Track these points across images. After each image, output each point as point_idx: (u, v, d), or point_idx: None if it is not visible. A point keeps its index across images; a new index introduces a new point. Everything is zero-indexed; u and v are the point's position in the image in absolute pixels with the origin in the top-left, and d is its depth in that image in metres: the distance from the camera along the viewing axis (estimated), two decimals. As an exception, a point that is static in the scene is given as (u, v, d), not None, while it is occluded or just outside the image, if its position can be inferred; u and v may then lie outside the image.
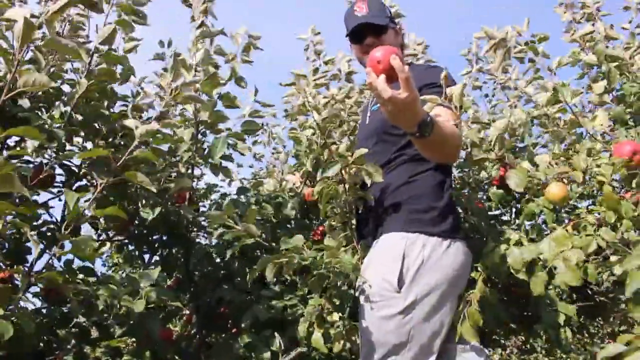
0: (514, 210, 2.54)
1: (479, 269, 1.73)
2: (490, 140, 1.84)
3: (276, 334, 1.44)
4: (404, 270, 1.61)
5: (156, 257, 2.14)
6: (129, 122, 1.34)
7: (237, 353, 1.92)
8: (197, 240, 2.23)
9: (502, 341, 3.80)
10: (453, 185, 1.86)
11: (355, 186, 1.78)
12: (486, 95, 3.34)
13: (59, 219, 1.86)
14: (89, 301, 1.51)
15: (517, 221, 2.38)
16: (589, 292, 2.49)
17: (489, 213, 2.55)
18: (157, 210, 1.72)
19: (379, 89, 1.35)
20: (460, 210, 2.42)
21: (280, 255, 1.60)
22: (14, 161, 1.64)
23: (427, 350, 1.62)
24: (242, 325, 1.95)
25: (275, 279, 1.63)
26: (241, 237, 1.57)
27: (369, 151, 1.72)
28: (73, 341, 1.73)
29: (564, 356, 3.89)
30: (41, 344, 1.68)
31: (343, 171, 1.71)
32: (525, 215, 1.89)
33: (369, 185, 1.79)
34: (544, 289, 1.63)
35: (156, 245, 2.06)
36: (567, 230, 1.69)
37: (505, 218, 2.57)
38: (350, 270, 1.67)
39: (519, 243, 1.75)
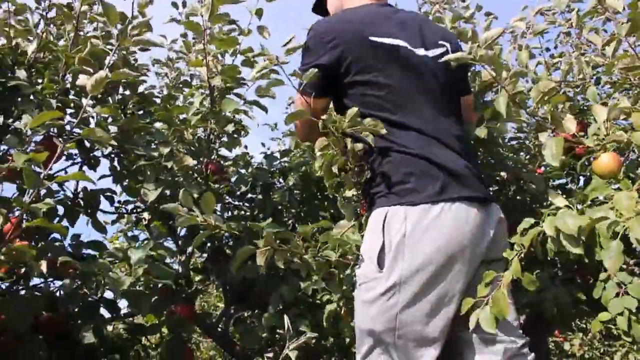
0: (582, 178, 2.22)
1: (514, 247, 1.43)
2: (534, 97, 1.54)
3: (285, 315, 1.29)
4: (385, 248, 1.37)
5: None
6: (82, 79, 1.21)
7: (261, 333, 1.80)
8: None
9: (583, 325, 3.49)
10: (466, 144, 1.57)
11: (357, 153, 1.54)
12: (547, 49, 2.85)
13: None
14: (81, 277, 1.44)
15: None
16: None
17: (553, 183, 2.25)
18: (158, 190, 1.62)
19: None
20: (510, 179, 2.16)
21: (266, 243, 1.43)
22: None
23: (422, 338, 1.36)
24: (269, 305, 1.83)
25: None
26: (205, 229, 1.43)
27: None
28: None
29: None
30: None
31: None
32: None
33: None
34: (620, 263, 1.29)
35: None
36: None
37: (572, 187, 2.26)
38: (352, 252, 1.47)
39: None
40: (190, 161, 1.61)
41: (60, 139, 1.65)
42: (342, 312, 1.60)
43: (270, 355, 1.73)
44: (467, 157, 1.51)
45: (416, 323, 1.36)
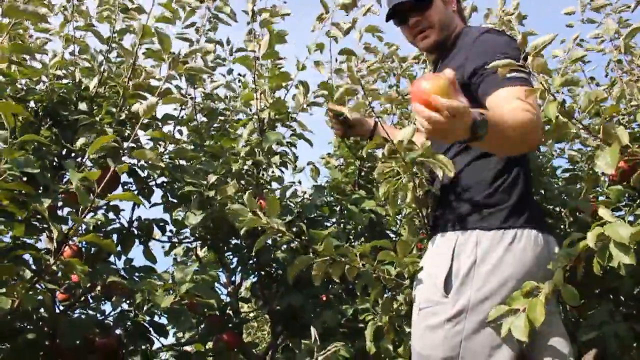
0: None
1: (560, 259, 1.37)
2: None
3: (312, 327, 1.29)
4: (453, 272, 1.37)
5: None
6: (135, 106, 1.30)
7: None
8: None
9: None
10: (527, 171, 1.55)
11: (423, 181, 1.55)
12: (592, 78, 2.74)
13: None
14: (128, 295, 1.49)
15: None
16: None
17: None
18: (200, 214, 1.68)
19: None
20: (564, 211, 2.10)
21: (318, 256, 1.44)
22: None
23: None
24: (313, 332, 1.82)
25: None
26: (266, 231, 1.43)
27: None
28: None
29: None
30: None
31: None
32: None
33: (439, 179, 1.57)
34: None
35: (225, 247, 2.02)
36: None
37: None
38: (409, 271, 1.46)
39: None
40: (232, 190, 1.66)
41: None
42: (385, 329, 1.58)
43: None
44: None
45: (481, 352, 1.34)
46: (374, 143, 1.45)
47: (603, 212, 1.42)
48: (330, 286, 2.03)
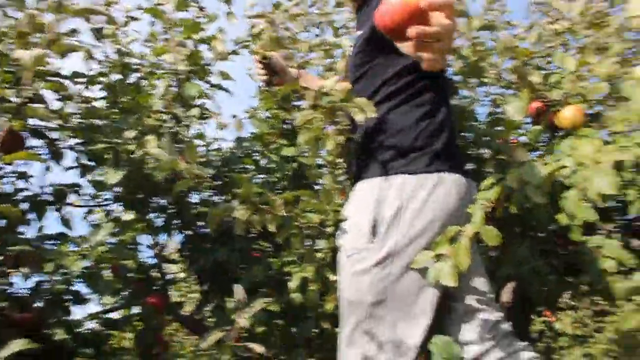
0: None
1: (479, 201, 1.41)
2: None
3: (236, 285, 1.26)
4: (378, 218, 1.37)
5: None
6: (18, 52, 1.19)
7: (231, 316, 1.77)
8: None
9: (573, 303, 3.46)
10: (451, 116, 1.56)
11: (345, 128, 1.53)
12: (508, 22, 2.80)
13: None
14: (39, 263, 1.41)
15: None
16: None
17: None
18: (120, 173, 1.59)
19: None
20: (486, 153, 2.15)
21: (246, 199, 1.39)
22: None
23: (412, 311, 1.37)
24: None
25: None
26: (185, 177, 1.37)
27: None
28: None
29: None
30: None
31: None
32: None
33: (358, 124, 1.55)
34: (578, 209, 1.27)
35: (149, 208, 1.94)
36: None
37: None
38: (332, 219, 1.45)
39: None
40: (152, 145, 1.58)
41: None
42: (311, 279, 1.57)
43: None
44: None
45: (408, 294, 1.36)
46: (289, 86, 1.40)
47: (520, 153, 1.45)
48: (258, 241, 2.01)
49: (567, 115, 1.50)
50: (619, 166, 1.22)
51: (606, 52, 1.48)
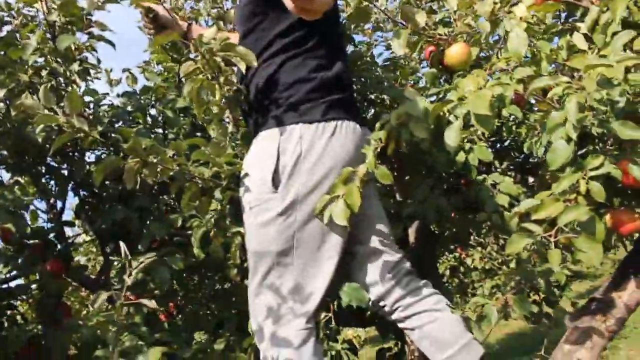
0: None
1: (371, 141, 1.42)
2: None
3: (121, 242, 1.22)
4: (280, 168, 1.38)
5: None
6: None
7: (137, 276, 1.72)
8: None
9: (481, 239, 3.66)
10: (346, 64, 1.57)
11: (229, 78, 1.49)
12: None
13: None
14: None
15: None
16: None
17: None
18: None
19: None
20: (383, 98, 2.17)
21: (133, 152, 1.33)
22: None
23: (319, 257, 1.40)
24: (139, 246, 1.76)
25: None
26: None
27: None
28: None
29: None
30: None
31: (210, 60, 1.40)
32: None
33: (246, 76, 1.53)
34: (458, 138, 1.30)
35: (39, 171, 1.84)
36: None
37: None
38: (226, 172, 1.42)
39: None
40: (29, 102, 1.47)
41: None
42: (212, 233, 1.56)
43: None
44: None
45: (313, 241, 1.39)
46: (165, 36, 1.33)
47: (409, 92, 1.47)
48: (160, 197, 1.96)
49: (453, 53, 1.53)
50: (499, 99, 1.26)
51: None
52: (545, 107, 1.38)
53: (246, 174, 1.45)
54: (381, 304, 1.48)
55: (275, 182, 1.38)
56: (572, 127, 1.08)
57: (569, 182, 1.10)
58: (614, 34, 1.28)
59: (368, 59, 2.22)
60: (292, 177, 1.38)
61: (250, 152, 1.49)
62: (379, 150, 1.40)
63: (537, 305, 1.60)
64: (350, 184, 1.30)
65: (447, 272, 4.05)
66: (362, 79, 2.13)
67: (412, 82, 2.29)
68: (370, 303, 1.49)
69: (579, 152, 1.27)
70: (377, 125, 1.42)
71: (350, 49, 2.21)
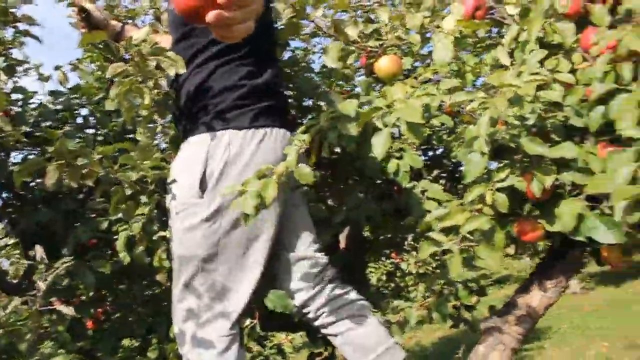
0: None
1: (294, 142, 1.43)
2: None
3: (37, 245, 1.19)
4: (207, 173, 1.39)
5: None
6: None
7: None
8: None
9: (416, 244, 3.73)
10: (279, 71, 1.59)
11: (159, 82, 1.48)
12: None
13: None
14: None
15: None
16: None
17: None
18: None
19: None
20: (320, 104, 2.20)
21: (58, 154, 1.30)
22: None
23: (245, 262, 1.42)
24: (63, 250, 1.71)
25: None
26: None
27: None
28: None
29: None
30: None
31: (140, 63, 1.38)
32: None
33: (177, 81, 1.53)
34: (386, 146, 1.32)
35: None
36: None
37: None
38: (152, 177, 1.41)
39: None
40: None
41: None
42: (138, 237, 1.54)
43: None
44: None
45: (238, 247, 1.40)
46: (92, 36, 1.31)
47: (335, 96, 1.51)
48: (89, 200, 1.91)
49: (382, 65, 1.58)
50: (426, 109, 1.30)
51: (419, 5, 1.56)
52: (467, 119, 1.45)
53: (174, 180, 1.45)
54: (305, 310, 1.51)
55: (203, 187, 1.39)
56: (485, 141, 1.13)
57: (477, 193, 1.15)
58: (531, 51, 1.35)
59: (304, 64, 2.25)
60: (219, 183, 1.39)
61: (179, 157, 1.50)
62: (301, 151, 1.41)
63: (457, 310, 1.66)
64: (267, 179, 1.29)
65: (384, 277, 4.11)
66: (298, 86, 2.15)
67: (348, 89, 2.32)
68: (295, 309, 1.51)
69: (499, 164, 1.34)
70: (302, 127, 1.44)
71: (287, 54, 2.23)
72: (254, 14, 0.84)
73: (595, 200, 1.18)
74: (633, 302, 6.77)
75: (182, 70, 1.35)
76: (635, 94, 1.10)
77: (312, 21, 1.59)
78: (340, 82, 2.32)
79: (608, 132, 1.18)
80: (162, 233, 1.56)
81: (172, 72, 1.36)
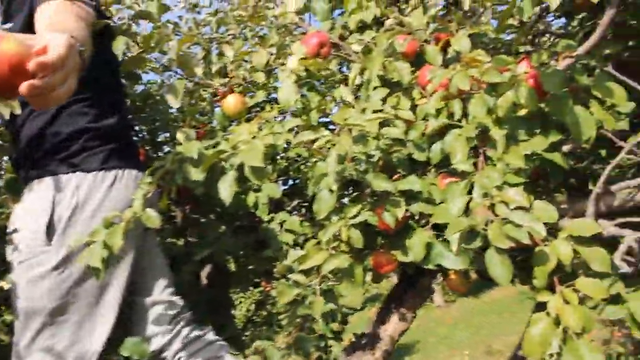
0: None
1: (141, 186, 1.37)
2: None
3: None
4: (54, 220, 1.29)
5: None
6: None
7: None
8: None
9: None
10: (126, 110, 1.52)
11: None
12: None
13: None
14: None
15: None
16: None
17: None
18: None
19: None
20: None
21: None
22: None
23: (97, 311, 1.33)
24: None
25: None
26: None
27: None
28: None
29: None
30: None
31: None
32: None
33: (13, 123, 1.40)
34: (233, 190, 1.30)
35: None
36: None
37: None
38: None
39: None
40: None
41: None
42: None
43: None
44: None
45: (90, 295, 1.32)
46: None
47: (185, 132, 1.48)
48: None
49: (228, 103, 1.58)
50: (271, 148, 1.31)
51: (265, 42, 1.57)
52: (317, 155, 1.48)
53: (15, 229, 1.33)
54: (163, 355, 1.45)
55: (50, 234, 1.29)
56: (333, 178, 1.16)
57: (332, 232, 1.17)
58: (374, 89, 1.42)
59: (158, 97, 2.18)
60: (68, 229, 1.30)
61: (21, 204, 1.38)
62: (150, 194, 1.35)
63: (323, 340, 1.67)
64: (115, 226, 1.22)
65: (253, 307, 4.06)
66: (152, 119, 2.08)
67: (204, 122, 2.29)
68: (152, 355, 1.45)
69: (351, 198, 1.37)
70: (149, 171, 1.38)
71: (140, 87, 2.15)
72: (71, 72, 0.79)
73: (442, 229, 1.25)
74: (490, 312, 7.36)
75: (18, 111, 1.25)
76: (465, 130, 1.19)
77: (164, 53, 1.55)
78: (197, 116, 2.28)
79: (449, 163, 1.26)
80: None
81: (6, 113, 1.26)
